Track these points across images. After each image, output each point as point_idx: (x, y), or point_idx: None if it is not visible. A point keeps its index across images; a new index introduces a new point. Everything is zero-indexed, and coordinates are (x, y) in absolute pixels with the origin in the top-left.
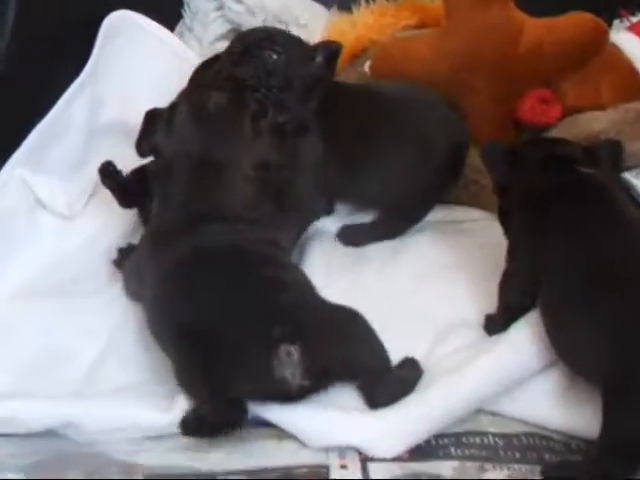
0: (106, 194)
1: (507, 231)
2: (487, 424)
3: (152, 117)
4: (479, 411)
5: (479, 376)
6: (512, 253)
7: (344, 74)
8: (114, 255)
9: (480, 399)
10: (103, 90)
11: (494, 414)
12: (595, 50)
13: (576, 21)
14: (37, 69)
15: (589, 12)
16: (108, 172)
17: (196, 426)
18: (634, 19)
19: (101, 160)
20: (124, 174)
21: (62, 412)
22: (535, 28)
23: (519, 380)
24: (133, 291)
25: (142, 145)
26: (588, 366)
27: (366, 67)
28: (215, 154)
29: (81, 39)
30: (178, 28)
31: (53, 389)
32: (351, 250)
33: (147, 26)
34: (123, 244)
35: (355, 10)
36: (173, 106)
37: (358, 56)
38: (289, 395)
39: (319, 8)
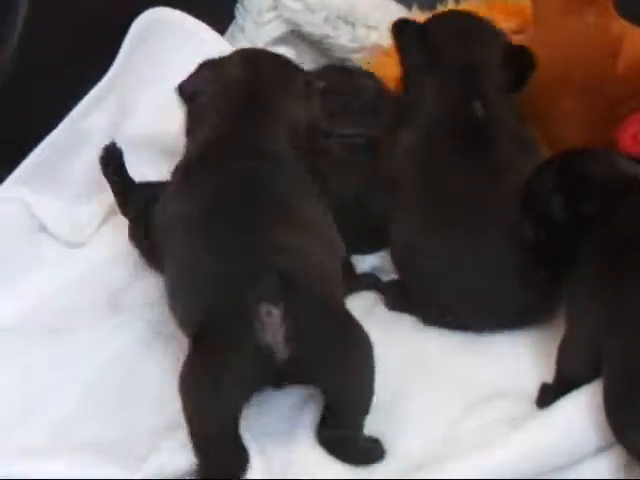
0: (119, 220)
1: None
2: None
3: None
4: None
5: (509, 456)
6: (574, 311)
7: None
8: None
9: None
10: (131, 99)
11: None
12: None
13: None
14: (50, 74)
15: None
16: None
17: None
18: None
19: None
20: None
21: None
22: (636, 40)
23: (561, 464)
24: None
25: (186, 86)
26: None
27: None
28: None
29: (104, 41)
30: (230, 30)
31: (17, 441)
32: None
33: (188, 25)
34: (128, 279)
35: (440, 9)
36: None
37: None
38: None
39: (395, 8)
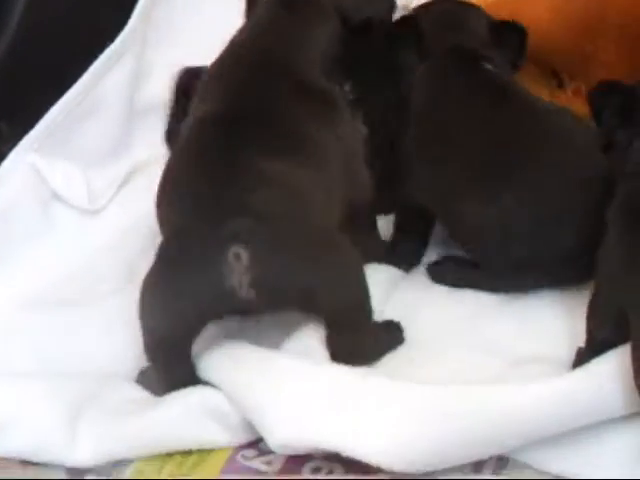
0: (138, 183)
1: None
2: None
3: None
4: (512, 462)
5: (526, 400)
6: (600, 269)
7: None
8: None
9: (520, 435)
10: (150, 58)
11: (539, 472)
12: None
13: None
14: (65, 31)
15: None
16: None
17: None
18: None
19: (142, 146)
20: None
21: None
22: None
23: (582, 428)
24: None
25: None
26: None
27: None
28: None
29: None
30: None
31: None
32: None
33: None
34: (144, 248)
35: None
36: None
37: None
38: (238, 309)
39: None
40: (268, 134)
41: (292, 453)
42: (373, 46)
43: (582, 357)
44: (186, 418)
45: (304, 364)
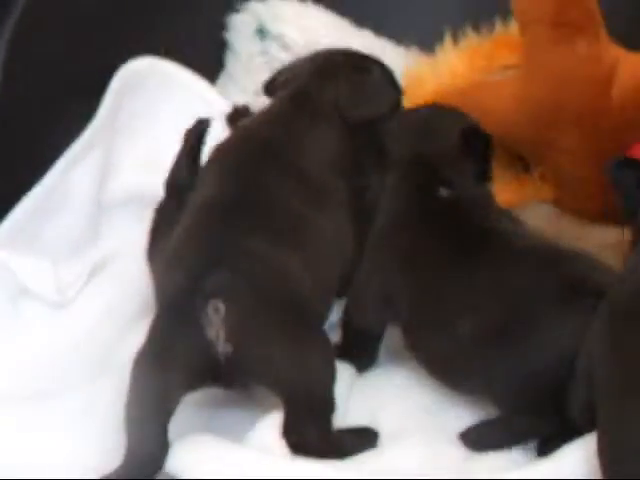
0: (106, 275)
1: None
2: None
3: None
4: None
5: None
6: None
7: None
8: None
9: None
10: (117, 153)
11: None
12: None
13: None
14: (30, 129)
15: None
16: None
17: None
18: None
19: (110, 238)
20: None
21: None
22: (633, 67)
23: None
24: None
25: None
26: None
27: None
28: None
29: (86, 92)
30: (221, 79)
31: None
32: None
33: (175, 74)
34: (116, 337)
35: (439, 50)
36: None
37: None
38: (217, 367)
39: (392, 50)
40: (260, 219)
41: None
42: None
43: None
44: None
45: (269, 458)
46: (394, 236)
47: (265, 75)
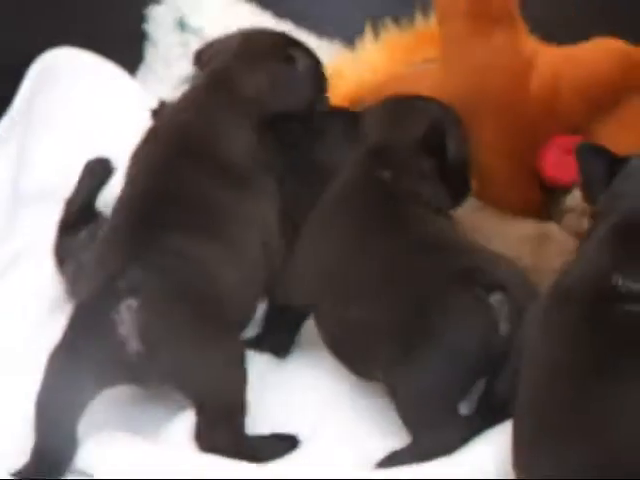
0: (21, 271)
1: None
2: None
3: None
4: None
5: None
6: None
7: None
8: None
9: None
10: (31, 147)
11: None
12: (626, 86)
13: (601, 50)
14: None
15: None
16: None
17: None
18: None
19: (25, 234)
20: None
21: None
22: (550, 59)
23: None
24: None
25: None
26: None
27: None
28: None
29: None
30: (140, 71)
31: None
32: None
33: (94, 65)
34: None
35: (359, 43)
36: None
37: (359, 102)
38: (130, 365)
39: (313, 43)
40: (178, 213)
41: None
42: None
43: None
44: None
45: (180, 454)
46: (329, 211)
47: (184, 67)
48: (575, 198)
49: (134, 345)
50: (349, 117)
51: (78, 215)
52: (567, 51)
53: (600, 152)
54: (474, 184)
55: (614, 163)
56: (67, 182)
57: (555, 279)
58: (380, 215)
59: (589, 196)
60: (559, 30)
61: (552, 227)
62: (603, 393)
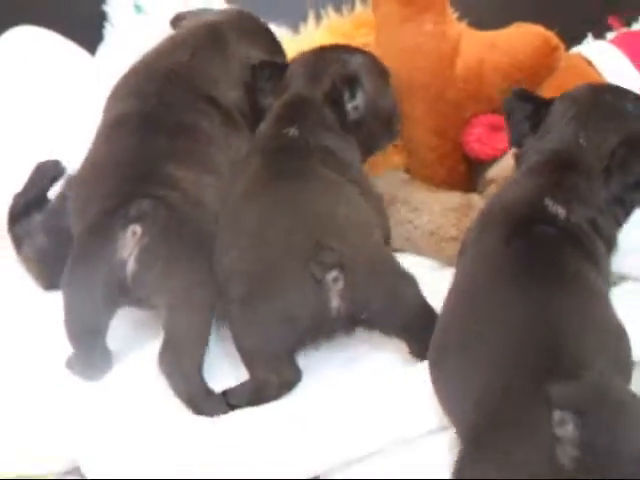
0: None
1: None
2: None
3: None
4: None
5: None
6: None
7: None
8: None
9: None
10: None
11: None
12: (545, 69)
13: (521, 35)
14: None
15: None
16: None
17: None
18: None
19: None
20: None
21: None
22: (474, 44)
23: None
24: None
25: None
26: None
27: None
28: None
29: None
30: (100, 50)
31: None
32: None
33: (55, 43)
34: None
35: (303, 29)
36: None
37: None
38: (125, 285)
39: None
40: (175, 142)
41: None
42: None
43: None
44: (12, 453)
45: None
46: (242, 166)
47: (140, 46)
48: (496, 170)
49: (131, 266)
50: (276, 68)
51: (28, 204)
52: (491, 36)
53: (527, 98)
54: (406, 160)
55: (540, 107)
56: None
57: (485, 206)
58: (276, 171)
59: (514, 138)
60: (483, 16)
61: (475, 198)
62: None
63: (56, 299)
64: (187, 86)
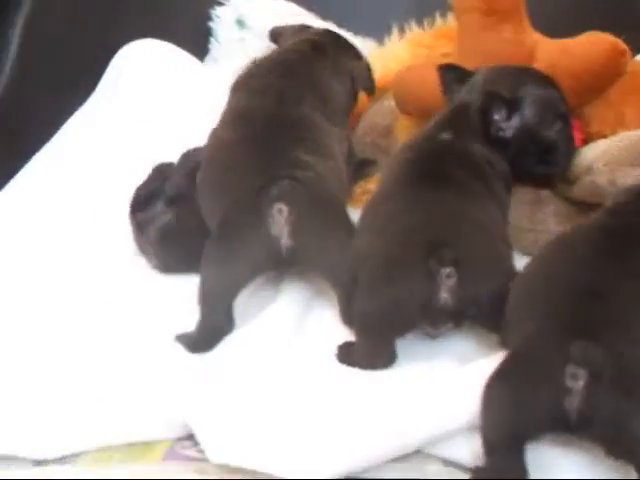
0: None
1: None
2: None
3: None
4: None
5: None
6: None
7: (370, 109)
8: None
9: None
10: (114, 123)
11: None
12: (613, 73)
13: (592, 42)
14: (38, 101)
15: (618, 31)
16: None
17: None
18: None
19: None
20: None
21: None
22: (548, 50)
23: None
24: None
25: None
26: None
27: (392, 100)
28: None
29: (90, 69)
30: (206, 62)
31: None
32: None
33: (172, 54)
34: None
35: (388, 40)
36: None
37: (387, 90)
38: (279, 257)
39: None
40: (298, 132)
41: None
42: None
43: None
44: (133, 418)
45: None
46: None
47: (242, 59)
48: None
49: (285, 241)
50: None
51: (150, 194)
52: (563, 43)
53: (455, 68)
54: None
55: (465, 75)
56: (141, 153)
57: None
58: (426, 172)
59: (445, 93)
60: (557, 25)
61: (545, 193)
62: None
63: (171, 281)
64: (304, 84)
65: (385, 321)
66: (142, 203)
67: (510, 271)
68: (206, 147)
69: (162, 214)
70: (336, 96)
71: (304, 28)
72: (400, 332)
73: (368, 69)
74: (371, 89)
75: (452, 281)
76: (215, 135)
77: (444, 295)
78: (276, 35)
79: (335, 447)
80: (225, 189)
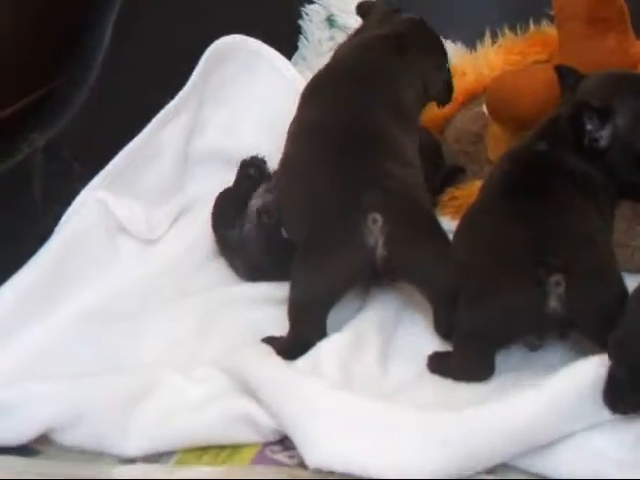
0: (190, 217)
1: None
2: None
3: None
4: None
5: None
6: None
7: (459, 115)
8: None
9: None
10: (203, 117)
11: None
12: None
13: None
14: (132, 94)
15: None
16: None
17: None
18: None
19: (193, 186)
20: None
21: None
22: None
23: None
24: None
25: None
26: None
27: (484, 107)
28: None
29: (182, 64)
30: (294, 60)
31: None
32: None
33: (261, 51)
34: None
35: (480, 46)
36: None
37: (478, 96)
38: (374, 267)
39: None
40: (381, 144)
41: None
42: None
43: None
44: (223, 421)
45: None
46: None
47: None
48: None
49: (380, 251)
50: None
51: (236, 199)
52: None
53: (572, 70)
54: None
55: (579, 78)
56: (231, 148)
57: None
58: (524, 184)
59: (563, 91)
60: None
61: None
62: None
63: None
64: (377, 91)
65: (492, 332)
66: (227, 209)
67: (619, 280)
68: (283, 164)
69: (244, 224)
70: (409, 101)
71: (393, 14)
72: (506, 343)
73: (446, 82)
74: (445, 102)
75: (561, 289)
76: (289, 152)
77: (553, 304)
78: (364, 11)
79: (432, 453)
80: (311, 203)
